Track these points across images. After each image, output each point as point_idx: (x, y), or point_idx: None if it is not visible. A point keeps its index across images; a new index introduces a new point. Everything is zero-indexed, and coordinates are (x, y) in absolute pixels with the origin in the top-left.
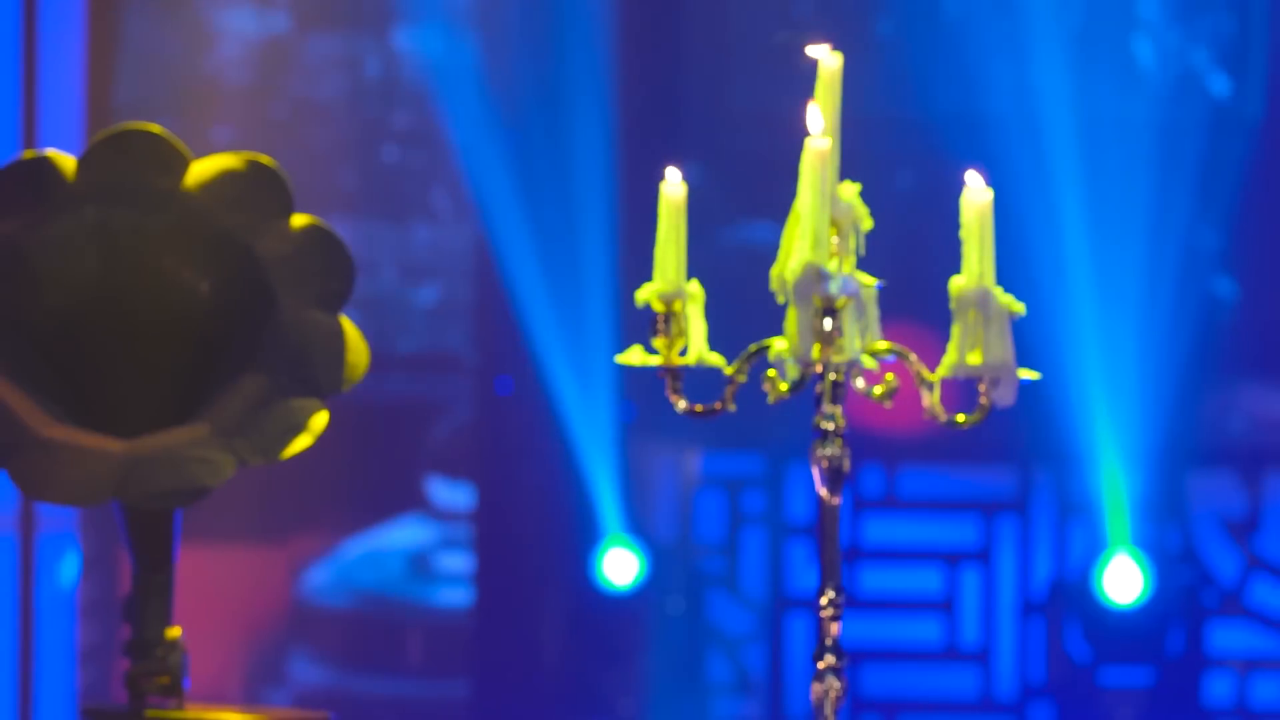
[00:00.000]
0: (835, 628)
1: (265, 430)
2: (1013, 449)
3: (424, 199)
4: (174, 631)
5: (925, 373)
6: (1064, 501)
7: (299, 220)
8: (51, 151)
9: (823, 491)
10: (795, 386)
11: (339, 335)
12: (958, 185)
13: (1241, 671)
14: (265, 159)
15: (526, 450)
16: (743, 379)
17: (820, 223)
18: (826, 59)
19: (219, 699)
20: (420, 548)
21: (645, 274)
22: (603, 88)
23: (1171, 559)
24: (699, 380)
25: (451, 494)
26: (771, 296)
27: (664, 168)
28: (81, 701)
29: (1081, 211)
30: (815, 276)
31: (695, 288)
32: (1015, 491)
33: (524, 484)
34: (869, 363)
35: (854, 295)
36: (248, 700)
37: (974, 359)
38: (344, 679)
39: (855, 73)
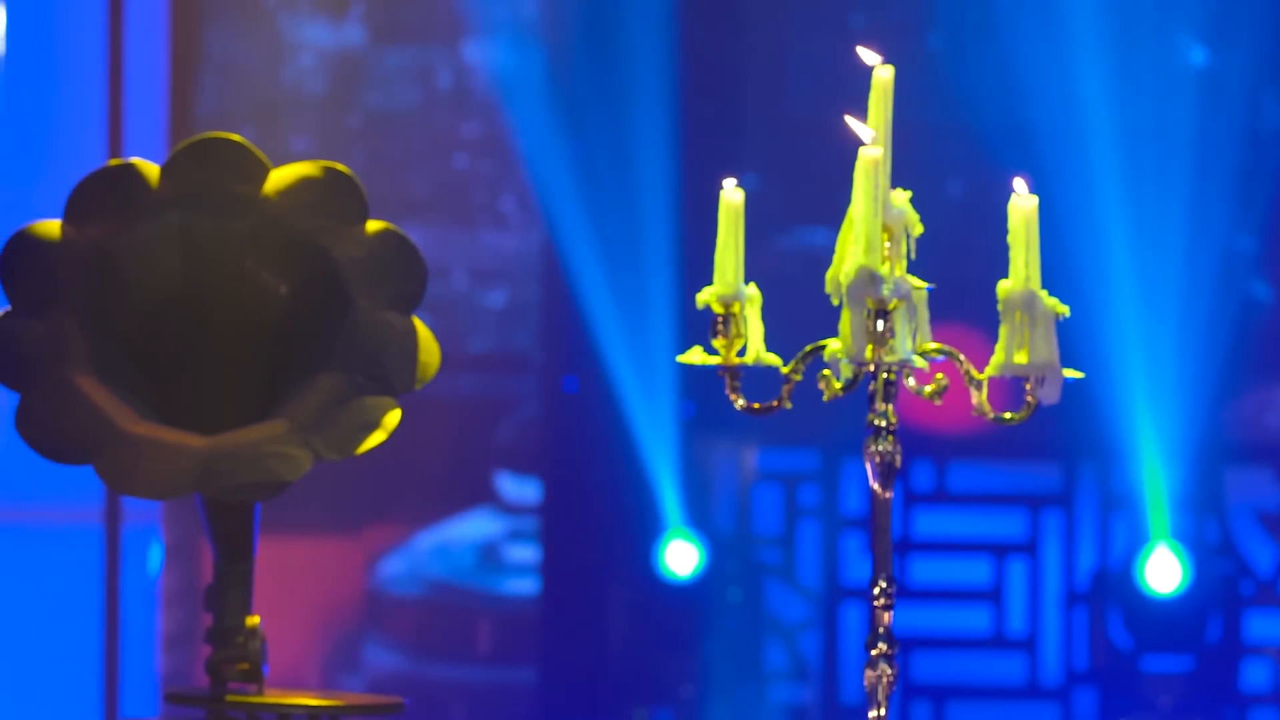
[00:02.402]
0: (887, 616)
1: (341, 427)
2: (1058, 445)
3: (493, 205)
4: (254, 619)
5: (974, 372)
6: (1107, 496)
7: (373, 225)
8: (136, 160)
9: (875, 486)
10: (849, 385)
11: (412, 336)
12: (1005, 192)
13: (1277, 658)
14: (341, 167)
15: (591, 446)
16: (799, 378)
17: (873, 228)
18: (880, 70)
19: (297, 684)
20: (489, 540)
21: (705, 277)
22: (665, 97)
23: (1210, 551)
24: (757, 379)
25: (519, 488)
26: (826, 299)
27: (724, 175)
28: (164, 687)
29: (1123, 217)
30: (868, 280)
31: (753, 290)
32: (1060, 486)
33: (589, 478)
34: (920, 362)
35: (905, 298)
36: (325, 686)
37: (1021, 359)
38: (416, 665)
39: (907, 84)
